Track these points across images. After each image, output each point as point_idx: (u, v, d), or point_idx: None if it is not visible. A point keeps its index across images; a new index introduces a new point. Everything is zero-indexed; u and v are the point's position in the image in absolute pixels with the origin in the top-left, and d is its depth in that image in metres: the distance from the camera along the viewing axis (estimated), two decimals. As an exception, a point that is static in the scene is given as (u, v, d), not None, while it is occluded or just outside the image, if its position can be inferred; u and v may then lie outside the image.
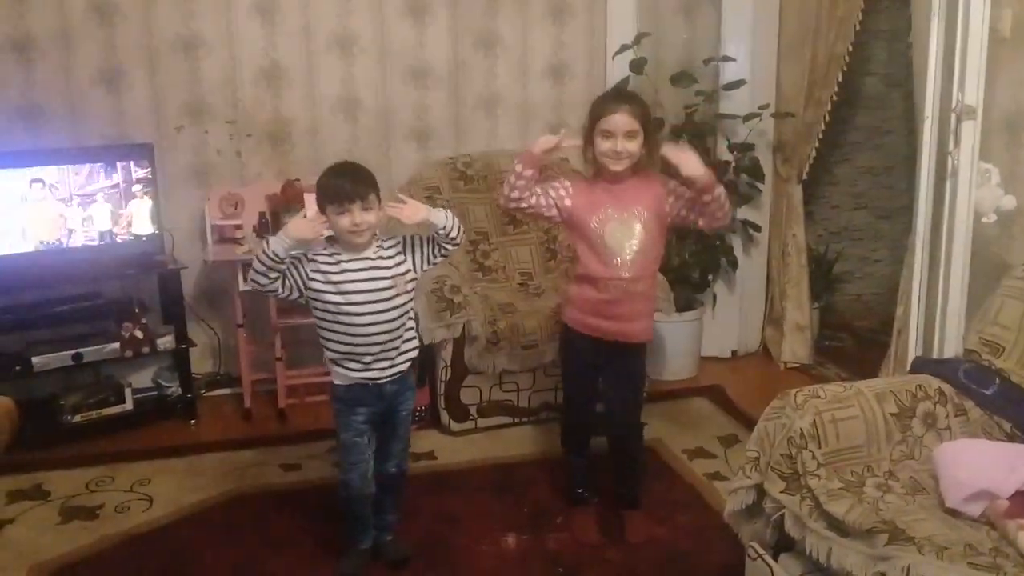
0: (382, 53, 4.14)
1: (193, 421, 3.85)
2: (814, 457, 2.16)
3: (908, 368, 2.70)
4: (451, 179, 4.05)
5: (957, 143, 2.89)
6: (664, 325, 4.01)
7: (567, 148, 2.72)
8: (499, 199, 2.78)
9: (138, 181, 3.69)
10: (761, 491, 2.28)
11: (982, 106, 2.85)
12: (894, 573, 1.88)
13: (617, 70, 4.16)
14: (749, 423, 3.23)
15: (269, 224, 3.77)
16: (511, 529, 2.98)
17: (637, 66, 4.04)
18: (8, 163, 3.51)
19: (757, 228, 4.43)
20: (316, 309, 2.57)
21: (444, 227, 2.56)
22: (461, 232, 2.61)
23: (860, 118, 5.01)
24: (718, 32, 4.34)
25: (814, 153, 4.29)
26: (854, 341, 4.84)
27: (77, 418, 3.66)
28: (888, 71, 4.94)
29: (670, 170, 2.66)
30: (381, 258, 2.57)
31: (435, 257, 2.63)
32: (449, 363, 3.61)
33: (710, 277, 4.39)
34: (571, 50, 4.38)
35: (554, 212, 2.75)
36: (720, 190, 2.64)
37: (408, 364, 2.67)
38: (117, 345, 3.66)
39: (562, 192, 2.75)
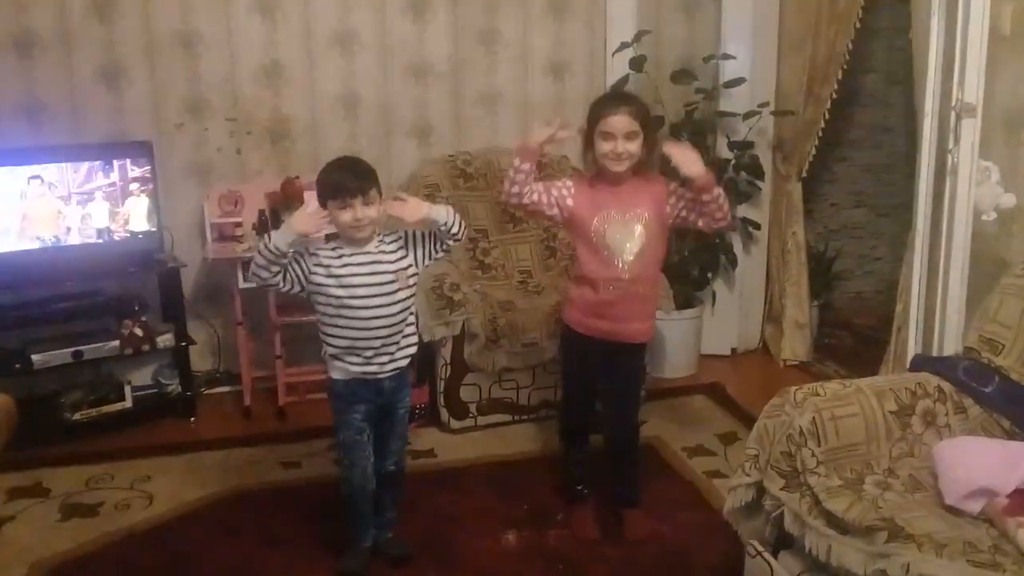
0: (382, 50, 4.14)
1: (193, 419, 3.86)
2: (814, 455, 2.16)
3: (908, 366, 2.70)
4: (451, 176, 4.05)
5: (957, 141, 2.89)
6: (664, 323, 4.01)
7: (562, 138, 2.71)
8: (501, 195, 2.78)
9: (138, 179, 3.69)
10: (761, 489, 2.29)
11: (982, 104, 2.85)
12: (894, 570, 1.88)
13: (617, 67, 4.16)
14: (749, 421, 3.24)
15: (269, 222, 3.77)
16: (511, 526, 2.98)
17: (637, 64, 4.04)
18: (8, 160, 3.51)
19: (757, 226, 4.43)
20: (318, 303, 2.57)
21: (445, 223, 2.56)
22: (463, 227, 2.61)
23: (860, 116, 5.01)
24: (718, 30, 4.34)
25: (814, 151, 4.28)
26: (854, 339, 4.84)
27: (77, 416, 3.66)
28: (888, 69, 4.94)
29: (669, 169, 2.66)
30: (383, 252, 2.57)
31: (437, 252, 2.64)
32: (449, 361, 3.61)
33: (710, 275, 4.39)
34: (571, 47, 4.38)
35: (555, 211, 2.75)
36: (719, 191, 2.64)
37: (408, 360, 2.67)
38: (117, 343, 3.66)
39: (564, 192, 2.75)
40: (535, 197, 2.71)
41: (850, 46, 4.04)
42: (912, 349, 3.13)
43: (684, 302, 4.24)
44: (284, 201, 3.79)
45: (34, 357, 3.53)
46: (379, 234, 2.59)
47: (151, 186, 3.72)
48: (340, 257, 2.54)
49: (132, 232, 3.71)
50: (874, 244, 5.23)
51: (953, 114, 2.88)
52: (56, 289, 3.63)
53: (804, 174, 4.36)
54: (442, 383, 3.65)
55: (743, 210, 4.38)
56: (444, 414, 3.69)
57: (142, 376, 3.98)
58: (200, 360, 4.09)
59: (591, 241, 2.73)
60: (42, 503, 3.16)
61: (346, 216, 2.48)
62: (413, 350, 2.69)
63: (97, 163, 3.62)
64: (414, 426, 3.64)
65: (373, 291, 2.53)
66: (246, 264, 3.47)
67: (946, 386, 2.38)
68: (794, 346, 4.43)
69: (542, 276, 4.06)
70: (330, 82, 4.10)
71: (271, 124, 4.07)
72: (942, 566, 1.83)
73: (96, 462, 3.43)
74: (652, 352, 3.51)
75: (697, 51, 4.40)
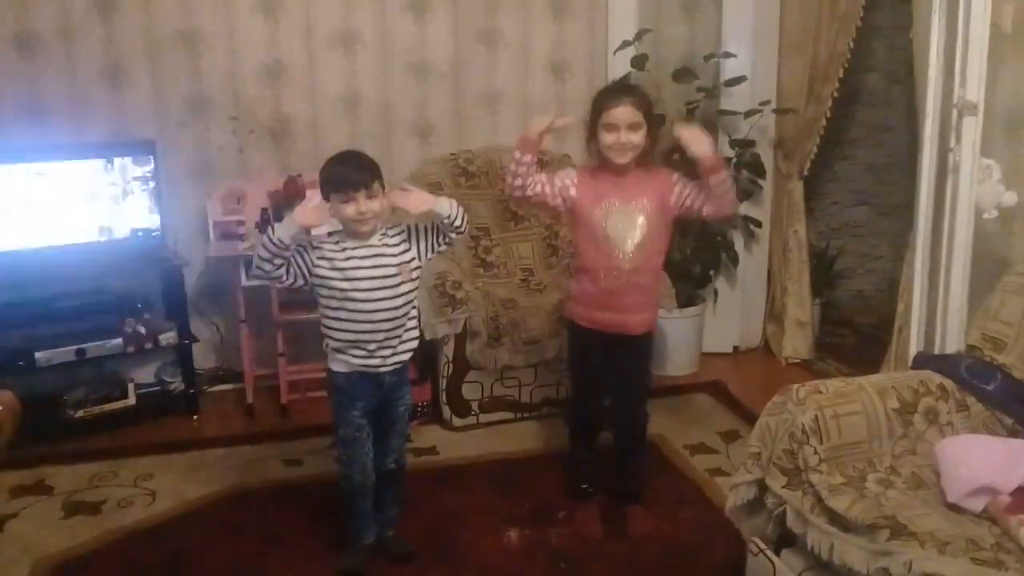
0: (384, 49, 4.14)
1: (195, 416, 3.86)
2: (816, 452, 2.16)
3: (909, 364, 2.69)
4: (452, 175, 4.05)
5: (958, 139, 2.89)
6: (665, 321, 4.01)
7: (561, 127, 2.72)
8: (504, 189, 2.78)
9: (140, 177, 3.69)
10: (763, 486, 2.29)
11: (983, 102, 2.84)
12: (896, 568, 1.88)
13: (618, 66, 4.16)
14: (750, 419, 3.24)
15: (271, 220, 3.77)
16: (513, 524, 2.98)
17: (638, 62, 4.04)
18: (11, 159, 3.51)
19: (758, 224, 4.43)
20: (321, 296, 2.57)
21: (449, 215, 2.56)
22: (466, 221, 2.62)
23: (861, 114, 5.01)
24: (719, 28, 4.33)
25: (815, 149, 4.29)
26: (855, 337, 4.84)
27: (80, 413, 3.67)
28: (889, 67, 4.94)
29: (679, 149, 2.65)
30: (386, 245, 2.57)
31: (439, 245, 2.64)
32: (451, 359, 3.62)
33: (711, 273, 4.39)
34: (572, 46, 4.38)
35: (559, 201, 2.75)
36: (727, 174, 2.65)
37: (409, 355, 2.68)
38: (120, 341, 3.67)
39: (567, 182, 2.75)
40: (538, 188, 2.71)
41: (851, 44, 4.05)
42: (914, 347, 3.13)
43: (686, 300, 4.25)
44: (286, 199, 3.80)
45: (37, 355, 3.53)
46: (382, 227, 2.60)
47: (153, 184, 3.72)
48: (343, 250, 2.54)
49: (135, 230, 3.71)
50: (875, 242, 5.23)
51: (954, 112, 2.88)
52: (59, 287, 3.63)
53: (805, 173, 4.36)
54: (444, 381, 3.66)
55: (745, 208, 4.38)
56: (446, 412, 3.69)
57: (145, 374, 3.99)
58: (203, 358, 4.09)
59: (592, 231, 2.73)
60: (45, 501, 3.17)
61: (349, 210, 2.48)
62: (415, 344, 2.69)
63: (100, 161, 3.63)
64: (416, 424, 3.64)
65: (376, 284, 2.53)
66: (249, 262, 3.48)
67: (948, 384, 2.38)
68: (796, 344, 4.43)
69: (544, 274, 4.06)
70: (332, 81, 4.10)
71: (273, 123, 4.07)
72: (944, 564, 1.83)
73: (99, 460, 3.44)
74: (654, 350, 3.50)
75: (698, 49, 4.40)
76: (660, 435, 3.56)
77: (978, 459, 2.13)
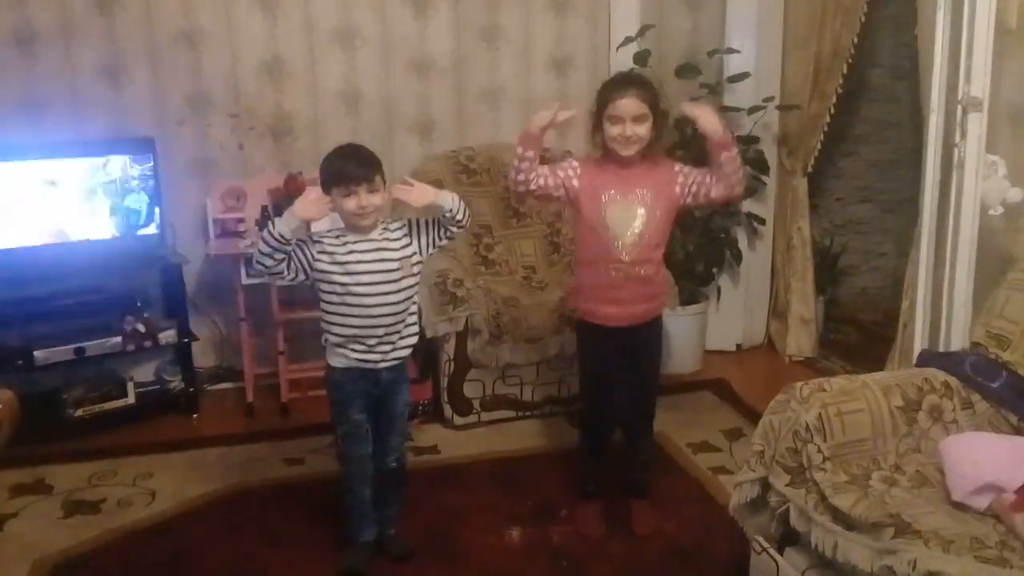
0: (384, 46, 4.12)
1: (195, 415, 3.85)
2: (820, 450, 2.15)
3: (914, 361, 2.68)
4: (454, 172, 4.03)
5: (963, 135, 2.87)
6: (669, 318, 3.96)
7: (563, 121, 2.70)
8: (508, 184, 2.77)
9: (140, 175, 3.68)
10: (766, 485, 2.28)
11: (988, 98, 2.82)
12: (900, 566, 1.87)
13: (621, 62, 4.13)
14: (754, 417, 3.22)
15: (271, 217, 3.75)
16: (515, 523, 2.97)
17: (641, 58, 4.02)
18: (10, 156, 3.50)
19: (762, 221, 4.41)
20: (322, 291, 2.56)
21: (451, 209, 2.55)
22: (467, 215, 2.61)
23: (866, 110, 4.99)
24: (722, 24, 4.32)
25: (819, 146, 4.27)
26: (859, 334, 4.82)
27: (79, 412, 3.66)
28: (894, 63, 4.92)
29: (689, 124, 2.64)
30: (387, 240, 2.56)
31: (440, 240, 2.63)
32: (452, 357, 3.60)
33: (714, 270, 4.38)
34: (574, 42, 4.36)
35: (562, 192, 2.74)
36: (736, 151, 2.63)
37: (408, 351, 2.66)
38: (119, 339, 3.66)
39: (570, 172, 2.73)
40: (541, 181, 2.70)
41: (855, 40, 4.04)
42: (918, 344, 3.11)
43: (689, 298, 4.23)
44: (286, 197, 3.78)
45: (36, 354, 3.52)
46: (383, 221, 2.58)
47: (153, 182, 3.71)
48: (344, 244, 2.53)
49: (134, 228, 3.70)
50: (880, 239, 5.21)
51: (959, 108, 2.86)
52: (58, 286, 3.62)
53: (809, 169, 4.34)
54: (446, 379, 3.64)
55: (748, 205, 4.37)
56: (448, 410, 3.68)
57: (144, 372, 3.98)
58: (202, 356, 4.08)
59: (592, 222, 2.72)
60: (45, 500, 3.16)
61: (350, 204, 2.47)
62: (414, 340, 2.68)
63: (99, 159, 3.62)
64: (417, 422, 3.63)
65: (378, 278, 2.52)
66: (248, 260, 3.47)
67: (953, 381, 2.37)
68: (799, 342, 4.42)
69: (546, 272, 4.05)
70: (332, 78, 4.09)
71: (273, 120, 4.05)
72: (949, 562, 1.82)
73: (98, 459, 3.43)
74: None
75: (701, 45, 4.38)
76: (663, 433, 3.54)
77: (983, 457, 2.12)
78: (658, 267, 2.80)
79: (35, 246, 3.54)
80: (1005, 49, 2.83)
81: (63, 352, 3.57)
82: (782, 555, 2.24)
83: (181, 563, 2.79)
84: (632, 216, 2.69)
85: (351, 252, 2.52)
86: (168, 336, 3.77)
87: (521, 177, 2.67)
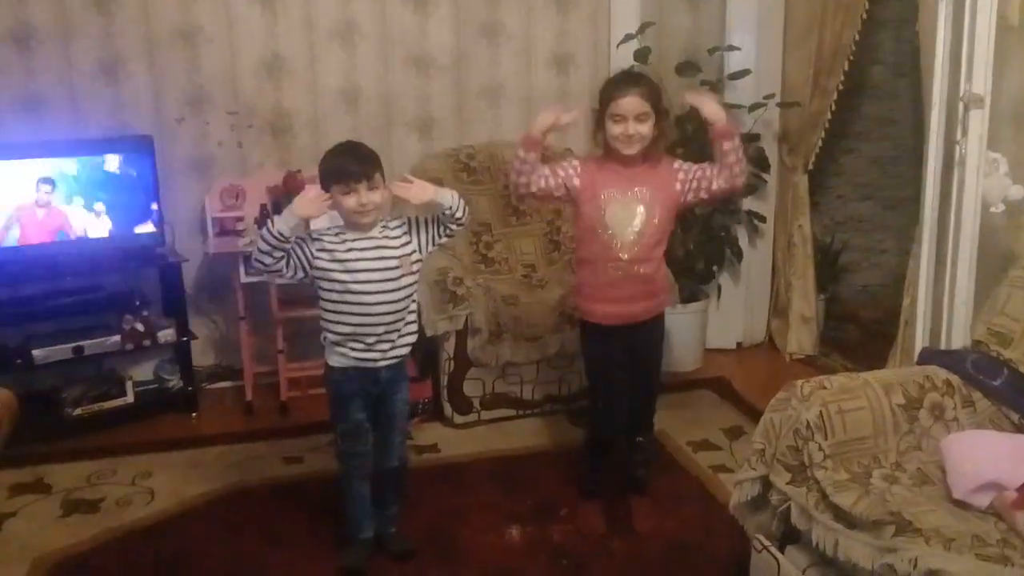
0: (384, 42, 4.11)
1: (194, 414, 3.85)
2: (820, 448, 2.15)
3: (915, 359, 2.68)
4: (454, 170, 4.03)
5: (964, 132, 2.86)
6: (669, 316, 3.95)
7: (565, 124, 2.70)
8: (509, 185, 2.77)
9: (138, 173, 3.67)
10: (767, 483, 2.27)
11: (990, 95, 2.82)
12: (901, 565, 1.86)
13: (621, 59, 4.12)
14: (754, 415, 3.22)
15: (271, 215, 3.75)
16: (515, 521, 2.96)
17: (641, 55, 4.01)
18: (8, 155, 3.49)
19: (762, 219, 4.40)
20: (321, 289, 2.55)
21: (450, 207, 2.55)
22: (467, 213, 2.60)
23: (867, 107, 4.98)
24: (723, 21, 4.31)
25: (820, 143, 4.26)
26: (860, 332, 4.81)
27: (78, 411, 3.65)
28: (895, 60, 4.91)
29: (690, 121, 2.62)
30: (387, 238, 2.56)
31: (440, 237, 2.62)
32: (452, 355, 3.60)
33: (715, 268, 4.37)
34: (575, 39, 4.35)
35: (563, 192, 2.74)
36: (739, 141, 2.63)
37: (407, 349, 2.65)
38: (118, 338, 3.65)
39: (571, 171, 2.73)
40: (542, 183, 2.70)
41: (856, 37, 4.03)
42: (919, 342, 3.11)
43: (689, 296, 4.22)
44: (286, 195, 3.77)
45: (35, 353, 3.52)
46: (383, 219, 2.57)
47: (152, 180, 3.69)
48: (344, 242, 2.52)
49: (133, 227, 3.69)
50: (881, 237, 5.20)
51: (961, 105, 2.85)
52: (57, 284, 3.61)
53: (810, 166, 4.33)
54: (446, 378, 3.63)
55: (749, 203, 4.36)
56: (448, 409, 3.67)
57: (143, 371, 3.97)
58: (201, 355, 4.07)
59: (592, 221, 2.71)
60: (44, 499, 3.16)
61: (350, 201, 2.46)
62: (413, 339, 2.67)
63: (98, 157, 3.61)
64: (417, 421, 3.63)
65: (377, 276, 2.51)
66: (248, 258, 3.46)
67: (954, 379, 2.36)
68: (800, 339, 4.41)
69: (546, 270, 4.04)
70: (331, 75, 4.08)
71: (272, 117, 4.05)
72: (950, 560, 1.82)
73: (97, 458, 3.43)
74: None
75: (702, 42, 4.37)
76: (663, 431, 3.53)
77: (984, 455, 2.12)
78: (658, 266, 2.79)
79: (34, 245, 3.53)
80: (1006, 46, 2.83)
81: (62, 351, 3.56)
82: (783, 553, 2.24)
83: (180, 562, 2.78)
84: (631, 215, 2.69)
85: (350, 250, 2.51)
86: (167, 335, 3.76)
87: (523, 179, 2.67)
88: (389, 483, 2.75)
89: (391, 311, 2.55)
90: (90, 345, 3.60)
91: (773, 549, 2.25)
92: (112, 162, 3.63)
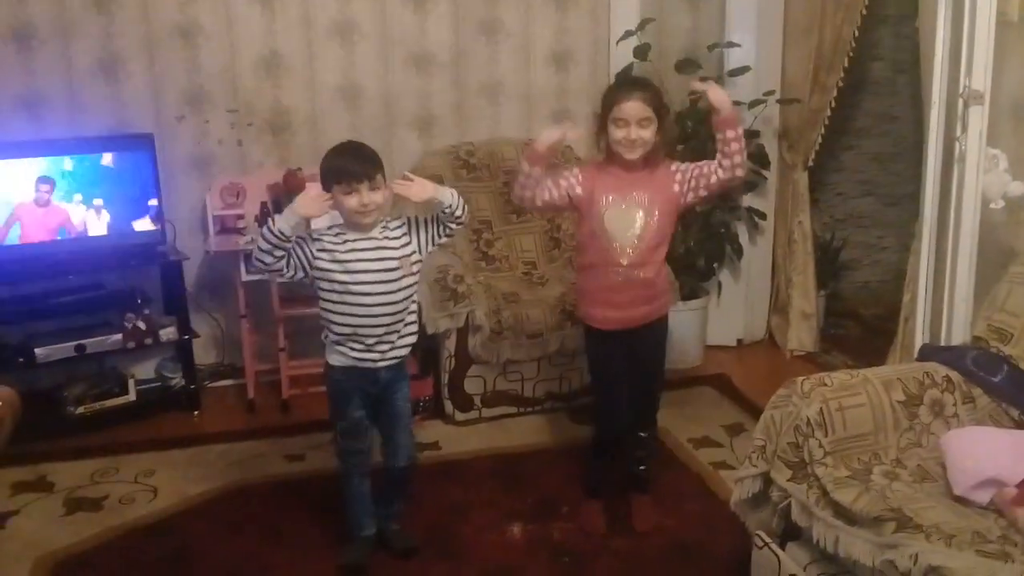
0: (383, 40, 4.11)
1: (196, 412, 3.85)
2: (821, 445, 2.15)
3: (915, 356, 2.68)
4: (454, 168, 4.03)
5: (964, 129, 2.86)
6: (670, 313, 3.99)
7: (571, 139, 2.71)
8: (513, 199, 2.77)
9: (139, 172, 3.67)
10: (768, 480, 2.28)
11: (989, 91, 2.82)
12: (902, 561, 1.87)
13: (621, 57, 4.13)
14: (755, 412, 3.22)
15: (271, 214, 3.75)
16: (516, 519, 2.97)
17: (641, 52, 4.01)
18: (8, 154, 3.50)
19: (762, 216, 4.40)
20: (322, 289, 2.56)
21: (450, 205, 2.54)
22: (466, 211, 2.60)
23: (867, 104, 4.98)
24: (723, 18, 4.31)
25: (820, 139, 4.26)
26: (860, 329, 4.82)
27: (80, 409, 3.66)
28: (895, 56, 4.91)
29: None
30: (387, 238, 2.56)
31: (440, 237, 2.62)
32: (453, 353, 3.60)
33: (715, 265, 4.37)
34: (574, 37, 4.35)
35: (566, 201, 2.74)
36: (741, 130, 2.63)
37: (407, 350, 2.66)
38: (120, 336, 3.66)
39: (572, 181, 2.73)
40: (546, 196, 2.70)
41: (856, 33, 4.03)
42: (920, 339, 3.11)
43: (689, 293, 4.22)
44: (286, 193, 3.77)
45: (37, 351, 3.52)
46: (383, 219, 2.57)
47: (152, 179, 3.70)
48: (344, 243, 2.52)
49: (134, 225, 3.70)
50: (881, 233, 5.20)
51: (960, 102, 2.85)
52: (58, 283, 3.62)
53: (810, 163, 4.33)
54: (447, 375, 3.64)
55: (749, 200, 4.36)
56: (449, 406, 3.67)
57: (145, 369, 3.97)
58: (203, 353, 4.08)
59: (592, 226, 2.72)
60: (46, 497, 3.16)
61: (352, 201, 2.46)
62: (413, 339, 2.67)
63: (98, 156, 3.61)
64: (419, 419, 3.63)
65: (377, 277, 2.51)
66: (249, 256, 3.46)
67: (954, 376, 2.37)
68: (800, 336, 4.41)
69: (546, 267, 4.05)
70: (330, 73, 4.08)
71: (272, 115, 4.05)
72: (951, 556, 1.82)
73: (100, 456, 3.43)
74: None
75: (702, 39, 4.37)
76: (664, 428, 3.53)
77: (984, 451, 2.12)
78: (659, 269, 2.79)
79: (35, 243, 3.54)
80: (1006, 42, 2.83)
81: (64, 349, 3.56)
82: (784, 550, 2.24)
83: (183, 560, 2.79)
84: (631, 219, 2.69)
85: (351, 250, 2.51)
86: (169, 333, 3.76)
87: (528, 194, 2.68)
88: (396, 481, 2.75)
89: (391, 312, 2.55)
90: (92, 343, 3.60)
91: (774, 546, 2.26)
92: (113, 160, 3.63)
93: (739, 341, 4.60)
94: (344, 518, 2.78)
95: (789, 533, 2.26)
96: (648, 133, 2.64)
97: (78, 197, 3.59)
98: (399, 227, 2.59)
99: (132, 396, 3.78)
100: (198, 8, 3.87)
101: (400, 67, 4.16)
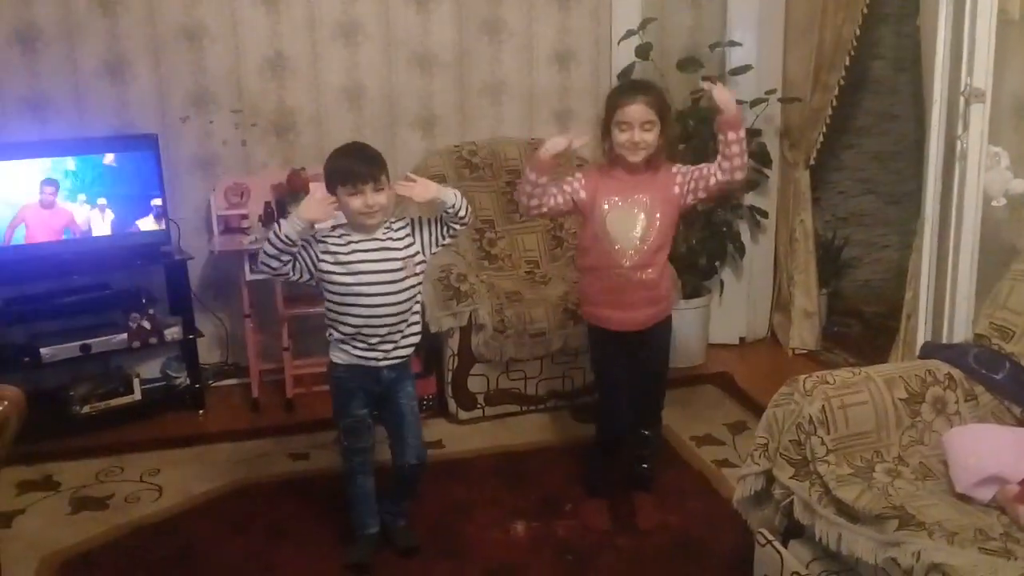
0: (386, 41, 4.12)
1: (201, 411, 3.86)
2: (823, 443, 2.15)
3: (917, 353, 2.68)
4: (457, 167, 4.04)
5: (966, 127, 2.86)
6: (672, 312, 4.00)
7: (576, 147, 2.72)
8: (519, 207, 2.78)
9: (143, 172, 3.68)
10: (770, 477, 2.28)
11: (991, 89, 2.82)
12: (904, 559, 1.87)
13: (622, 56, 4.14)
14: (757, 410, 3.23)
15: (275, 214, 3.77)
16: (520, 517, 2.98)
17: (643, 52, 4.02)
18: (14, 155, 3.51)
19: (764, 214, 4.41)
20: (326, 290, 2.57)
21: (453, 205, 2.55)
22: (469, 211, 2.60)
23: (868, 102, 4.98)
24: (724, 17, 4.31)
25: (821, 138, 4.27)
26: (862, 327, 4.82)
27: (86, 409, 3.66)
28: (896, 55, 4.91)
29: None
30: (391, 239, 2.56)
31: (444, 238, 2.62)
32: (456, 352, 3.61)
33: (717, 264, 4.37)
34: (576, 36, 4.36)
35: (571, 206, 2.75)
36: (743, 133, 2.64)
37: (410, 350, 2.66)
38: (125, 336, 3.66)
39: (576, 185, 2.74)
40: (551, 202, 2.72)
41: (857, 32, 4.03)
42: (922, 336, 3.11)
43: (692, 291, 4.23)
44: (290, 193, 3.79)
45: (42, 351, 3.53)
46: (387, 220, 2.58)
47: (157, 179, 3.71)
48: (347, 244, 2.53)
49: (138, 225, 3.71)
50: (883, 231, 5.20)
51: (962, 100, 2.85)
52: (63, 283, 3.63)
53: (812, 162, 4.34)
54: (450, 374, 3.65)
55: (751, 198, 4.36)
56: (452, 405, 3.68)
57: (150, 369, 3.98)
58: (208, 353, 4.09)
59: (594, 229, 2.73)
60: (52, 496, 3.18)
61: (356, 203, 2.47)
62: (417, 339, 2.68)
63: (103, 156, 3.62)
64: (422, 417, 3.63)
65: (381, 278, 2.52)
66: (253, 256, 3.47)
67: (956, 373, 2.37)
68: (803, 335, 4.41)
69: (549, 266, 4.05)
70: (334, 73, 4.09)
71: (276, 116, 4.06)
72: (953, 554, 1.83)
73: (105, 455, 3.45)
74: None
75: (703, 38, 4.38)
76: (667, 427, 3.52)
77: (986, 448, 2.12)
78: (662, 271, 2.80)
79: (40, 244, 3.55)
80: (1007, 40, 2.83)
81: (69, 349, 3.57)
82: (786, 548, 2.25)
83: (188, 559, 2.80)
84: (633, 222, 2.70)
85: (354, 251, 2.52)
86: (173, 332, 3.77)
87: (534, 202, 2.69)
88: (406, 480, 2.76)
89: (394, 312, 2.56)
90: (97, 343, 3.61)
91: (777, 544, 2.26)
92: (117, 161, 3.64)
93: (741, 339, 4.60)
94: (348, 517, 2.79)
95: (791, 531, 2.26)
96: (651, 136, 2.65)
97: (82, 197, 3.60)
98: (403, 228, 2.60)
99: (137, 395, 3.79)
100: (203, 10, 3.88)
101: (403, 67, 4.17)
